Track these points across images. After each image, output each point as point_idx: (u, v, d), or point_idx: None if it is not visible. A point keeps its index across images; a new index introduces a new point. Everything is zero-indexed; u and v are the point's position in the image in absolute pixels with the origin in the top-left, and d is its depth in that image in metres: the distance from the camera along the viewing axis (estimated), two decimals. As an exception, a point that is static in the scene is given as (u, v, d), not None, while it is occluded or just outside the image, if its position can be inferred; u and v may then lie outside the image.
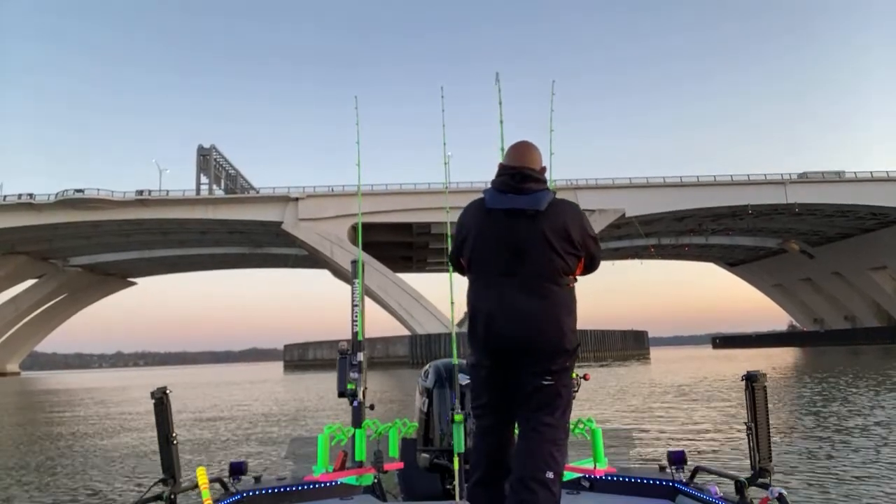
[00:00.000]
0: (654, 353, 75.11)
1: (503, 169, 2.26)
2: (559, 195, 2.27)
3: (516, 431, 2.27)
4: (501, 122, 3.21)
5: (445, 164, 3.74)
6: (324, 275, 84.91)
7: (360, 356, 3.00)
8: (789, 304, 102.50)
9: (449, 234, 3.49)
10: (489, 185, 2.31)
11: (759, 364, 32.79)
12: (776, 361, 36.12)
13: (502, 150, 3.03)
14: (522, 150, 2.31)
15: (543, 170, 2.29)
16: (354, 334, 3.07)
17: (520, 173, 2.20)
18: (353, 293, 3.12)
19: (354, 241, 64.91)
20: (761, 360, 39.24)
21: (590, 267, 2.31)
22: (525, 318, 2.09)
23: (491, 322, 2.13)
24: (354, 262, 3.16)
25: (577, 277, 2.27)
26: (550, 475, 2.01)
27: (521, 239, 2.14)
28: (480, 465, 2.20)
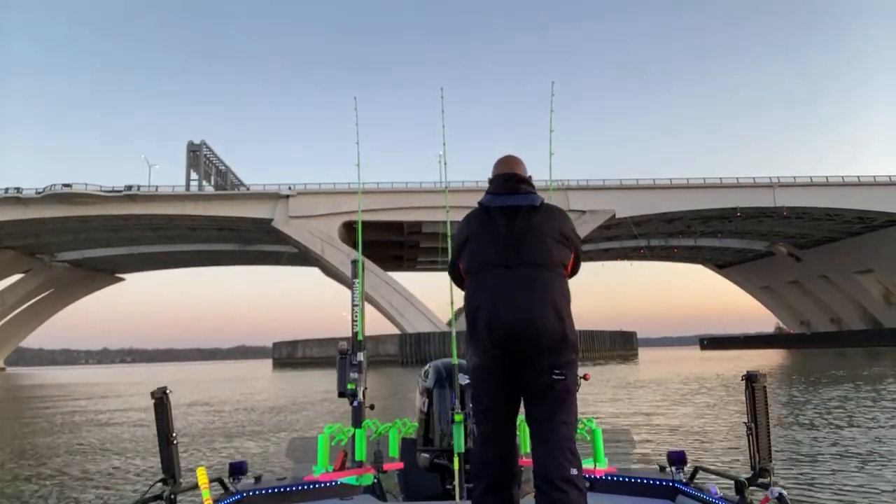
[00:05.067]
0: (643, 353, 75.51)
1: (497, 176, 2.43)
2: (552, 196, 2.45)
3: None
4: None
5: (444, 164, 3.75)
6: (314, 272, 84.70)
7: (361, 356, 2.98)
8: (776, 306, 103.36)
9: (449, 233, 3.49)
10: (484, 194, 2.44)
11: (741, 365, 33.01)
12: (762, 362, 36.40)
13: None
14: (511, 160, 2.50)
15: (531, 178, 2.46)
16: (354, 334, 3.06)
17: (513, 177, 2.40)
18: (352, 293, 3.11)
19: (345, 239, 64.75)
20: (745, 361, 39.52)
21: (575, 266, 2.41)
22: (527, 306, 2.12)
23: (493, 315, 2.14)
24: (354, 262, 3.15)
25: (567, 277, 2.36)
26: (574, 471, 2.04)
27: (520, 232, 2.26)
28: (486, 472, 2.18)
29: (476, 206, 2.40)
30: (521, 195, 2.32)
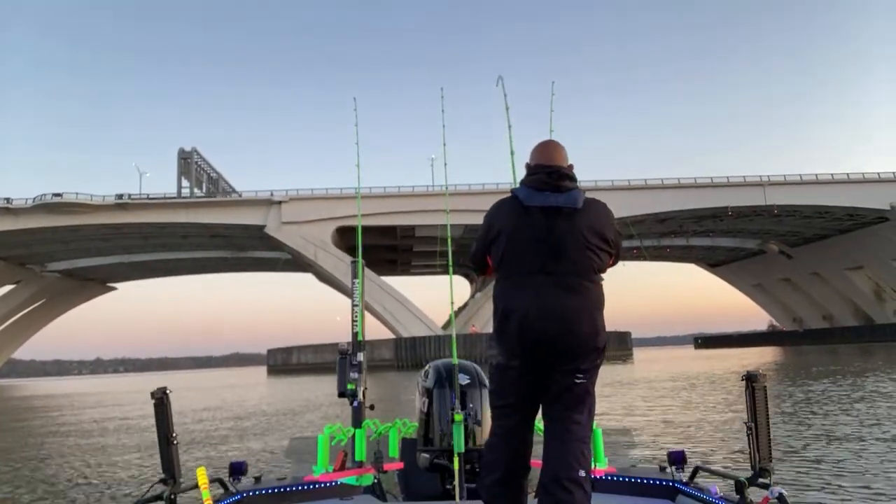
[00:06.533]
0: (638, 353, 75.62)
1: (538, 168, 2.26)
2: None
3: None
4: (510, 126, 3.21)
5: (445, 164, 3.76)
6: (308, 278, 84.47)
7: (361, 356, 3.00)
8: (769, 303, 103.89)
9: (449, 235, 3.52)
10: (519, 185, 2.29)
11: (733, 364, 33.20)
12: (754, 360, 36.57)
13: (512, 153, 3.07)
14: (553, 148, 2.34)
15: (571, 167, 2.31)
16: (354, 335, 3.07)
17: (557, 172, 2.22)
18: (352, 293, 3.13)
19: (338, 244, 64.69)
20: (737, 360, 39.70)
21: (614, 264, 2.35)
22: (563, 316, 2.08)
23: (526, 321, 2.10)
24: (354, 262, 3.18)
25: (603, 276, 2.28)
26: (583, 473, 2.03)
27: (560, 236, 2.14)
28: (500, 464, 2.17)
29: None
30: (563, 194, 2.18)
